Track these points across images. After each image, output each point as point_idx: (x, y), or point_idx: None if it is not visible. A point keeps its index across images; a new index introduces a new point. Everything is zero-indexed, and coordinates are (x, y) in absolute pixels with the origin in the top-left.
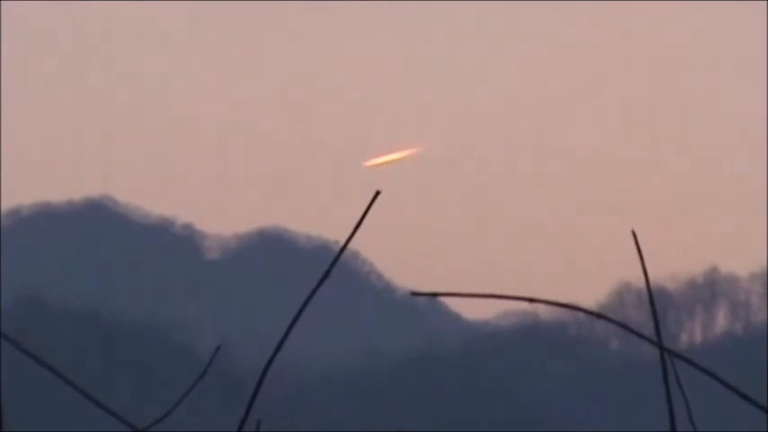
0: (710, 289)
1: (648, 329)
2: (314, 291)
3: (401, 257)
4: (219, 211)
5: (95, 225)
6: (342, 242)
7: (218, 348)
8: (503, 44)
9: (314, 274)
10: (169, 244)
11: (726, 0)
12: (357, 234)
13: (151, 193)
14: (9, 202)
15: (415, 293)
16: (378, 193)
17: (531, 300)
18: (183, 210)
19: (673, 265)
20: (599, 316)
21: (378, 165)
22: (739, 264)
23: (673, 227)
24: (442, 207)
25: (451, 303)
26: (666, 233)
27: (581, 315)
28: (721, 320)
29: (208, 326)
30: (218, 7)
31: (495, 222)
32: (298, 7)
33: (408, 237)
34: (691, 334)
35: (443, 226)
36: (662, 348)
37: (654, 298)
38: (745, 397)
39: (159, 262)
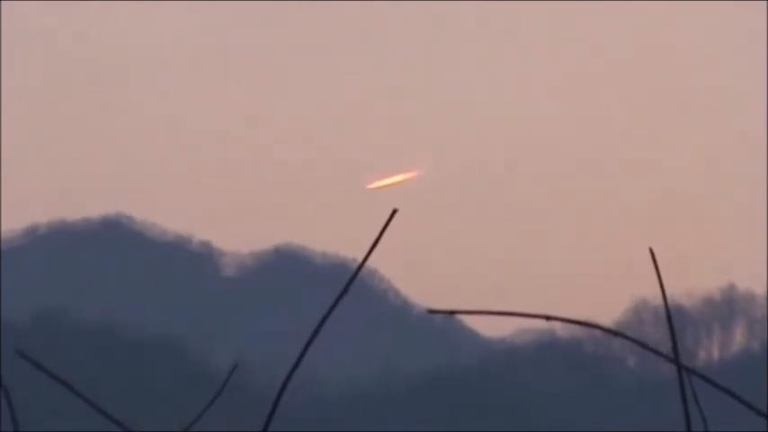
0: (728, 306)
1: (666, 347)
2: (331, 308)
3: (418, 275)
4: (236, 228)
5: (112, 242)
6: (359, 260)
7: (235, 366)
8: (506, 59)
9: (331, 292)
10: (186, 261)
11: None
12: (374, 252)
13: (168, 211)
14: (26, 220)
15: (432, 311)
16: (395, 212)
17: (548, 317)
18: (199, 227)
19: (690, 283)
20: (616, 333)
21: (380, 187)
22: (757, 281)
23: (690, 244)
24: (459, 225)
25: (468, 321)
26: (684, 250)
27: (598, 332)
28: (739, 338)
29: (224, 343)
30: (232, 25)
31: (512, 240)
32: (309, 30)
33: (426, 254)
34: (708, 351)
35: (460, 244)
36: (679, 366)
37: (671, 315)
38: (763, 415)
39: (176, 279)
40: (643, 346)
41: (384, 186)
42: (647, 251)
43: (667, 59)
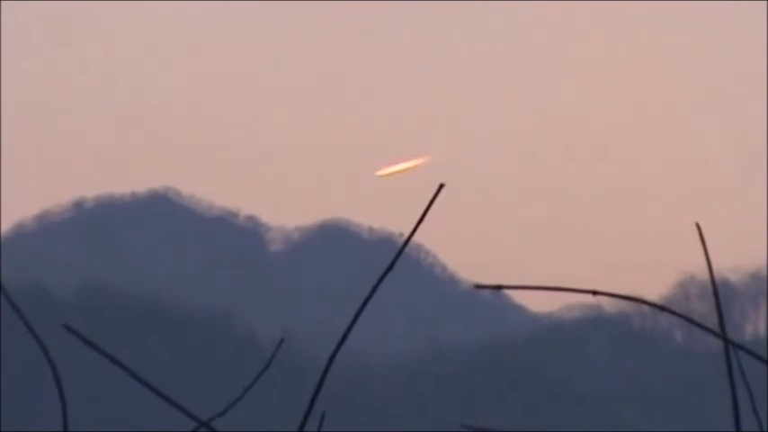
0: None
1: (712, 322)
2: (377, 283)
3: (465, 250)
4: (283, 203)
5: (159, 217)
6: (405, 235)
7: (281, 340)
8: (520, 48)
9: (377, 267)
10: (233, 236)
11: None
12: (420, 226)
13: (215, 186)
14: (73, 194)
15: (478, 286)
16: (441, 186)
17: (595, 292)
18: (246, 202)
19: (737, 257)
20: (662, 308)
21: (390, 174)
22: None
23: (737, 218)
24: (506, 200)
25: (515, 296)
26: (730, 225)
27: (645, 308)
28: None
29: (271, 318)
30: (274, 7)
31: (558, 215)
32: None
33: (472, 229)
34: (755, 326)
35: (507, 219)
36: (726, 341)
37: (718, 290)
38: None
39: (222, 254)
40: (690, 320)
41: (393, 173)
42: (694, 226)
43: (670, 57)
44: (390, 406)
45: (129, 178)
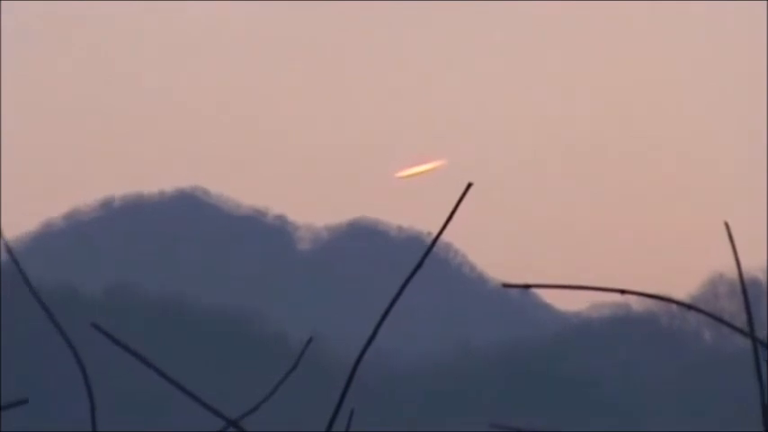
0: None
1: (741, 321)
2: (406, 282)
3: (493, 249)
4: (311, 202)
5: (187, 216)
6: (434, 234)
7: (310, 340)
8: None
9: (405, 266)
10: (261, 235)
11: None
12: (449, 226)
13: (243, 185)
14: (101, 193)
15: (506, 285)
16: (470, 186)
17: (623, 291)
18: (275, 201)
19: (766, 256)
20: (690, 307)
21: (409, 175)
22: None
23: (765, 217)
24: (534, 199)
25: (543, 295)
26: (759, 224)
27: (673, 306)
28: None
29: (299, 316)
30: (300, 9)
31: (587, 214)
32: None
33: (501, 229)
34: None
35: (535, 218)
36: (754, 339)
37: (746, 289)
38: None
39: (251, 253)
40: (718, 319)
41: (412, 175)
42: (723, 225)
43: (693, 54)
44: (418, 405)
45: (157, 177)
